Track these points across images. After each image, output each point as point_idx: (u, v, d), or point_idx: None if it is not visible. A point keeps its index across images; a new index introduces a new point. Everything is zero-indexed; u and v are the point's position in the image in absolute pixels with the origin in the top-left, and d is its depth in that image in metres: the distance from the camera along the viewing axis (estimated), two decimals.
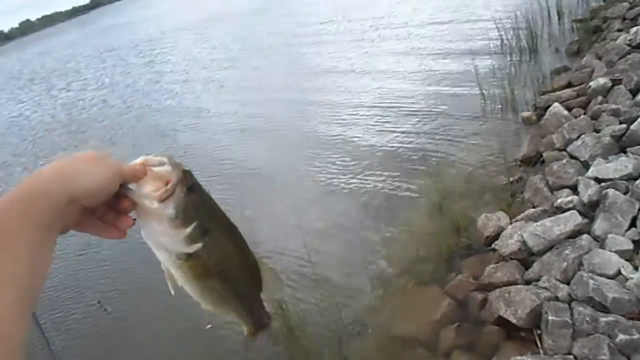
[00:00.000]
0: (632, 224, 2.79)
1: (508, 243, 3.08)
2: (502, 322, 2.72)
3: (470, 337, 2.81)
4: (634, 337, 2.18)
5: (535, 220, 3.09)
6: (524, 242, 3.00)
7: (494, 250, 3.17)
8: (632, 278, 2.48)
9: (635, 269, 2.54)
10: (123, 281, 4.50)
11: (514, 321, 2.64)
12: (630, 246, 2.67)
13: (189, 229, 0.77)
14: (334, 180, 4.78)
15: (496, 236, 3.24)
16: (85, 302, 4.36)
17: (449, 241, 3.42)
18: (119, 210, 0.76)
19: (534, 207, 3.31)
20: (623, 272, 2.54)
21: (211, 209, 0.83)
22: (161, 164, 0.78)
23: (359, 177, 4.70)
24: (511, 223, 3.26)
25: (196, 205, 0.78)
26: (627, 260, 2.61)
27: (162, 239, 0.78)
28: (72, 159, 0.70)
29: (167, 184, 0.76)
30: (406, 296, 3.21)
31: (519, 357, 2.38)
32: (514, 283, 2.87)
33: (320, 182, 4.82)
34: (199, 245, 0.78)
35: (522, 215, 3.26)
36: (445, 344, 2.82)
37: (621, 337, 2.21)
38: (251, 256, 0.89)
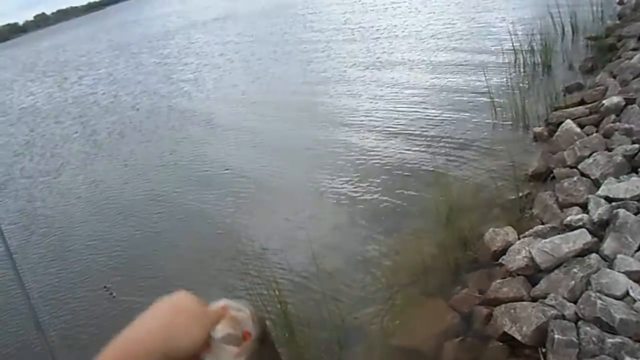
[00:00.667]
0: None
1: (515, 258, 3.06)
2: (506, 338, 2.70)
3: (473, 352, 2.78)
4: None
5: (544, 237, 3.07)
6: (531, 259, 2.98)
7: (501, 265, 3.15)
8: None
9: None
10: (130, 268, 4.52)
11: (519, 338, 2.62)
12: None
13: None
14: (342, 189, 4.78)
15: (503, 251, 3.22)
16: (91, 288, 4.38)
17: (455, 254, 3.41)
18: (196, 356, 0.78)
19: (542, 224, 3.29)
20: (631, 293, 2.52)
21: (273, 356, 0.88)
22: (240, 310, 0.82)
23: (366, 186, 4.69)
24: (519, 238, 3.24)
25: (263, 356, 0.82)
26: (635, 281, 2.58)
27: None
28: (167, 313, 0.72)
29: (245, 334, 0.80)
30: (410, 307, 3.19)
31: None
32: (520, 299, 2.84)
33: (328, 191, 4.82)
34: None
35: (531, 231, 3.24)
36: (448, 357, 2.80)
37: (628, 359, 2.19)
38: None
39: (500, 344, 2.72)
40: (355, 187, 4.73)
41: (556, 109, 4.97)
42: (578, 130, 4.19)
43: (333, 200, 4.63)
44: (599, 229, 2.98)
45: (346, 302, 3.38)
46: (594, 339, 2.38)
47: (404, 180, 4.57)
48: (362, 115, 6.56)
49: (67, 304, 4.28)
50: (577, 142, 3.88)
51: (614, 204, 3.03)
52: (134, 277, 4.34)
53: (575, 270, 2.78)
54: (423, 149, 5.07)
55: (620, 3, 7.90)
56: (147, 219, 5.36)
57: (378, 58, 9.16)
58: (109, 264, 4.70)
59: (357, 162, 5.24)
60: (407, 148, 5.20)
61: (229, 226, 4.69)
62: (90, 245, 5.20)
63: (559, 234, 3.03)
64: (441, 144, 5.05)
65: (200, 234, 4.76)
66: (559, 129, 4.34)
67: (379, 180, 4.72)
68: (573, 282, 2.72)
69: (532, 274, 2.97)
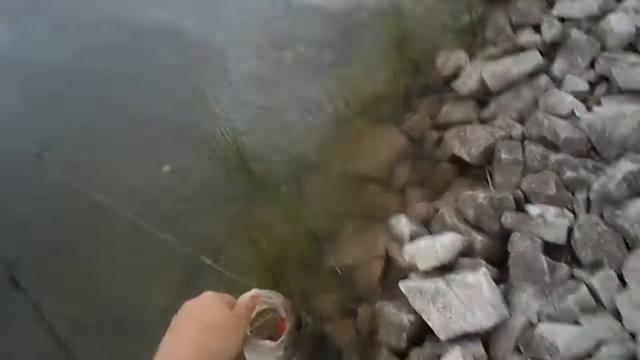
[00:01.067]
0: (591, 65, 2.79)
1: (466, 82, 3.07)
2: (455, 160, 2.80)
3: (423, 173, 2.89)
4: (581, 174, 2.28)
5: (496, 60, 3.06)
6: (482, 82, 2.99)
7: (452, 89, 3.15)
8: (584, 118, 2.53)
9: (589, 109, 2.59)
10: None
11: (467, 159, 2.71)
12: (586, 87, 2.70)
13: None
14: (282, 20, 4.49)
15: (455, 75, 3.21)
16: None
17: (407, 80, 3.37)
18: None
19: (495, 46, 3.25)
20: (576, 112, 2.59)
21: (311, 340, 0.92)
22: (271, 297, 0.82)
23: (311, 15, 4.42)
24: (471, 62, 3.21)
25: (301, 341, 0.83)
26: (581, 101, 2.65)
27: None
28: (199, 331, 0.66)
29: (278, 322, 0.81)
30: (362, 135, 3.22)
31: (470, 192, 2.48)
32: (470, 122, 2.90)
33: (268, 18, 4.51)
34: None
35: (483, 54, 3.21)
36: (399, 180, 2.90)
37: (568, 173, 2.31)
38: None
39: (450, 165, 2.82)
40: (298, 20, 4.45)
41: None
42: None
43: (273, 28, 4.37)
44: (551, 50, 2.97)
45: (298, 134, 3.36)
46: (538, 156, 2.49)
47: (353, 6, 4.33)
48: None
49: None
50: None
51: (567, 23, 2.99)
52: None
53: (524, 92, 2.82)
54: None
55: None
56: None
57: None
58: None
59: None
60: None
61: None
62: None
63: (510, 56, 3.01)
64: None
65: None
66: None
67: (324, 6, 4.45)
68: (521, 103, 2.77)
69: (483, 97, 3.00)
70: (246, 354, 0.79)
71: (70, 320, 2.53)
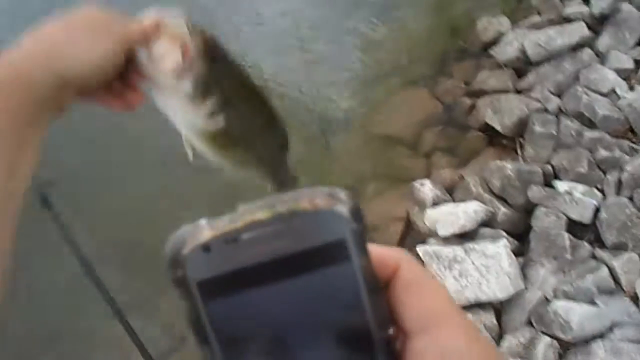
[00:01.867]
0: (639, 43, 2.68)
1: (506, 50, 2.98)
2: (487, 128, 2.75)
3: (452, 140, 2.85)
4: (615, 154, 2.23)
5: (539, 29, 2.95)
6: (523, 51, 2.90)
7: (490, 56, 3.07)
8: (625, 97, 2.45)
9: (631, 88, 2.51)
10: None
11: (499, 128, 2.67)
12: (632, 65, 2.61)
13: (208, 105, 0.67)
14: None
15: (495, 41, 3.11)
16: None
17: (444, 44, 3.28)
18: (127, 82, 0.63)
19: (539, 15, 3.14)
20: (617, 90, 2.51)
21: (235, 76, 0.72)
22: (178, 25, 0.64)
23: None
24: (513, 29, 3.11)
25: (218, 77, 0.68)
26: (624, 79, 2.57)
27: (179, 112, 0.69)
28: (60, 27, 0.55)
29: (184, 49, 0.63)
30: (393, 96, 3.16)
31: (498, 162, 2.45)
32: (505, 91, 2.83)
33: None
34: (220, 119, 0.70)
35: (526, 21, 3.11)
36: (427, 144, 2.87)
37: (602, 153, 2.27)
38: (279, 119, 0.81)
39: (480, 133, 2.77)
40: None
41: None
42: None
43: None
44: (598, 23, 2.86)
45: (329, 92, 3.32)
46: (572, 132, 2.44)
47: None
48: None
49: None
50: None
51: None
52: None
53: (565, 64, 2.73)
54: None
55: None
56: None
57: None
58: None
59: None
60: None
61: None
62: None
63: (555, 26, 2.91)
64: None
65: None
66: None
67: None
68: (561, 76, 2.69)
69: (521, 66, 2.92)
70: (154, 95, 0.68)
71: (100, 246, 2.59)
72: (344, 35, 3.67)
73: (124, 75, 0.62)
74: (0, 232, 0.49)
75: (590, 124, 2.43)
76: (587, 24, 2.82)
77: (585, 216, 2.13)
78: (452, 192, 2.55)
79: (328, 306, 0.29)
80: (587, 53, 2.73)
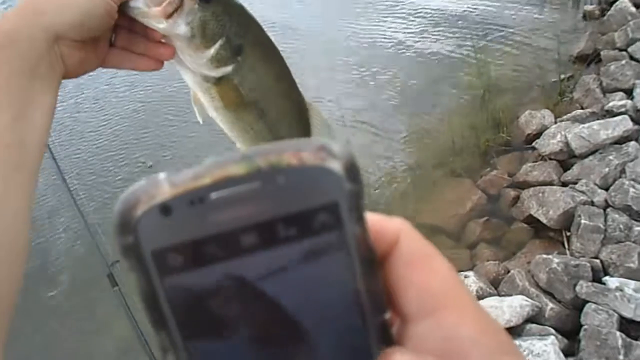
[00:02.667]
0: None
1: (550, 143, 3.00)
2: (531, 220, 2.73)
3: (497, 232, 2.83)
4: None
5: (582, 122, 2.98)
6: (566, 143, 2.91)
7: (534, 148, 3.09)
8: None
9: None
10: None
11: (544, 221, 2.64)
12: None
13: (212, 49, 0.63)
14: (371, 64, 4.61)
15: (538, 135, 3.14)
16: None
17: (487, 136, 3.34)
18: (147, 36, 0.62)
19: (582, 108, 3.17)
20: None
21: (242, 21, 0.66)
22: None
23: (400, 65, 4.51)
24: (556, 122, 3.15)
25: (219, 18, 0.63)
26: None
27: (185, 59, 0.64)
28: None
29: None
30: (438, 187, 3.21)
31: (544, 255, 2.41)
32: (550, 184, 2.82)
33: (360, 69, 4.65)
34: (228, 69, 0.65)
35: (569, 115, 3.14)
36: (471, 236, 2.85)
37: None
38: (295, 88, 0.72)
39: (525, 225, 2.75)
40: (385, 68, 4.55)
41: None
42: (633, 9, 3.88)
43: (366, 77, 4.49)
44: None
45: (373, 177, 3.40)
46: (621, 226, 2.39)
47: (439, 59, 4.38)
48: None
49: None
50: (631, 23, 3.61)
51: None
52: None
53: (611, 157, 2.72)
54: (459, 26, 4.79)
55: None
56: None
57: None
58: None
59: (388, 46, 5.00)
60: (445, 29, 4.92)
61: None
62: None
63: (598, 119, 2.93)
64: (479, 20, 4.76)
65: None
66: (612, 8, 4.03)
67: (413, 57, 4.53)
68: (607, 169, 2.68)
69: (566, 159, 2.92)
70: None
71: None
72: (390, 125, 3.80)
73: (144, 31, 0.61)
74: (11, 185, 0.47)
75: (639, 217, 2.37)
76: (631, 117, 2.83)
77: (638, 314, 2.04)
78: (496, 285, 2.50)
79: (313, 284, 0.24)
80: (632, 146, 2.71)
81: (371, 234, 0.24)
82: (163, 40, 0.62)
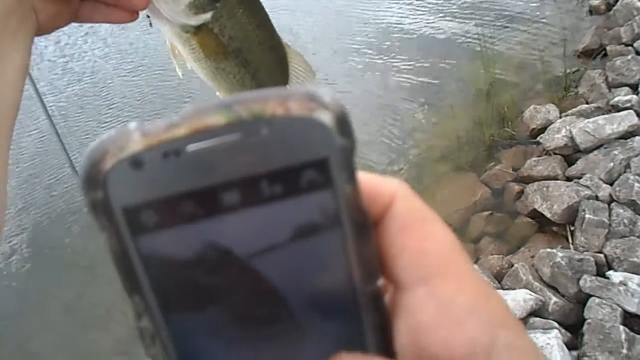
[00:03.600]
0: None
1: (554, 137, 2.99)
2: (535, 215, 2.73)
3: (500, 226, 2.83)
4: None
5: (587, 117, 2.97)
6: (571, 138, 2.91)
7: (538, 143, 3.09)
8: None
9: None
10: None
11: (548, 215, 2.64)
12: None
13: None
14: (379, 56, 4.60)
15: (542, 129, 3.14)
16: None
17: (492, 130, 3.34)
18: None
19: (587, 103, 3.17)
20: None
21: None
22: None
23: (405, 57, 4.51)
24: (561, 117, 3.14)
25: None
26: None
27: (160, 8, 0.60)
28: None
29: None
30: (442, 180, 3.21)
31: (548, 249, 2.41)
32: (554, 178, 2.82)
33: (366, 56, 4.65)
34: (207, 16, 0.62)
35: (574, 110, 3.13)
36: (475, 230, 2.86)
37: None
38: (276, 36, 0.71)
39: (529, 219, 2.75)
40: (392, 55, 4.55)
41: None
42: (639, 4, 3.87)
43: (367, 67, 4.48)
44: None
45: (378, 170, 3.40)
46: (625, 220, 2.39)
47: (444, 52, 4.37)
48: None
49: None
50: (637, 18, 3.60)
51: None
52: None
53: (615, 152, 2.72)
54: (464, 17, 4.78)
55: None
56: None
57: None
58: None
59: (387, 33, 4.99)
60: (450, 19, 4.91)
61: None
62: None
63: (603, 114, 2.92)
64: (484, 13, 4.75)
65: None
66: (618, 3, 4.01)
67: (417, 50, 4.52)
68: (612, 164, 2.67)
69: (570, 154, 2.92)
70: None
71: None
72: (394, 120, 3.80)
73: None
74: None
75: None
76: (636, 112, 2.83)
77: None
78: (500, 279, 2.50)
79: (299, 248, 0.22)
80: (637, 141, 2.71)
81: (364, 195, 0.22)
82: None
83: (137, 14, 0.57)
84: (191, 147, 0.20)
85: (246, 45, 0.67)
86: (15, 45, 0.48)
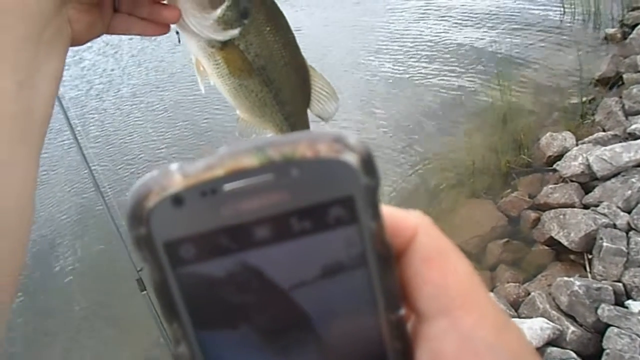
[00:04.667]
0: None
1: (571, 165, 2.99)
2: (552, 243, 2.72)
3: (517, 253, 2.82)
4: None
5: (604, 145, 2.96)
6: (588, 166, 2.90)
7: (555, 170, 3.09)
8: None
9: None
10: None
11: (565, 243, 2.62)
12: None
13: (219, 10, 0.60)
14: (399, 75, 4.64)
15: (559, 157, 3.14)
16: None
17: (508, 157, 3.34)
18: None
19: (604, 131, 3.17)
20: None
21: None
22: None
23: (423, 77, 4.54)
24: (577, 144, 3.14)
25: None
26: None
27: (189, 22, 0.61)
28: None
29: None
30: (458, 207, 3.21)
31: (565, 278, 2.39)
32: (571, 206, 2.81)
33: (383, 76, 4.68)
34: (235, 32, 0.62)
35: (591, 137, 3.13)
36: (491, 257, 2.84)
37: None
38: (300, 57, 0.71)
39: (546, 247, 2.73)
40: (410, 76, 4.58)
41: (633, 9, 4.58)
42: None
43: (384, 87, 4.52)
44: None
45: (395, 197, 3.40)
46: None
47: (462, 77, 4.40)
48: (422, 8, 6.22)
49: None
50: None
51: None
52: None
53: (633, 180, 2.70)
54: (482, 45, 4.82)
55: None
56: None
57: None
58: None
59: (413, 48, 5.04)
60: (469, 42, 4.96)
61: None
62: None
63: (620, 142, 2.92)
64: (502, 41, 4.79)
65: None
66: (634, 31, 4.04)
67: (435, 72, 4.56)
68: (630, 192, 2.66)
69: (587, 181, 2.91)
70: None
71: None
72: (411, 147, 3.82)
73: None
74: (17, 155, 0.45)
75: None
76: None
77: None
78: (517, 308, 2.48)
79: (328, 279, 0.23)
80: None
81: (388, 229, 0.24)
82: (165, 2, 0.60)
83: (169, 27, 0.59)
84: (227, 187, 0.22)
85: (271, 64, 0.67)
86: (50, 56, 0.49)
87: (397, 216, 0.25)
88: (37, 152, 0.48)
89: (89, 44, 0.60)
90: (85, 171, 1.88)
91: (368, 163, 0.23)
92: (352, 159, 0.22)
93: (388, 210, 0.24)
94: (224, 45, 0.63)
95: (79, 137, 1.86)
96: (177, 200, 0.22)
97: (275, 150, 0.22)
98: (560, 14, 4.95)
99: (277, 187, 0.22)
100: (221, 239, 0.22)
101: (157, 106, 5.13)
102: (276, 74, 0.68)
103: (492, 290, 2.58)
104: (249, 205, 0.22)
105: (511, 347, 0.23)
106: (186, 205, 0.22)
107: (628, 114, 3.20)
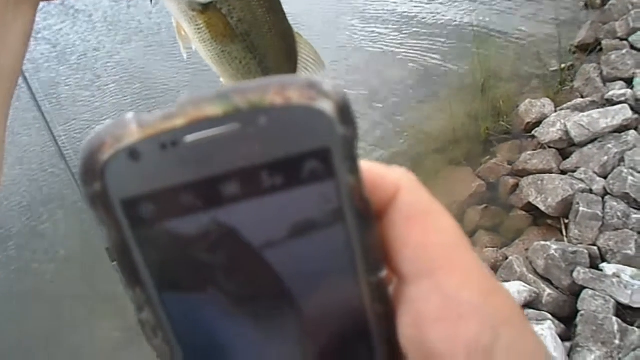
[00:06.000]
0: None
1: (549, 131, 3.01)
2: (530, 208, 2.75)
3: (495, 219, 2.85)
4: None
5: (582, 111, 2.99)
6: (566, 132, 2.93)
7: (533, 137, 3.11)
8: None
9: None
10: None
11: (543, 208, 2.65)
12: None
13: None
14: (375, 45, 4.60)
15: (538, 123, 3.16)
16: None
17: (487, 124, 3.35)
18: None
19: (582, 97, 3.19)
20: None
21: None
22: None
23: (399, 47, 4.51)
24: (556, 111, 3.16)
25: None
26: None
27: None
28: None
29: None
30: (437, 174, 3.22)
31: (542, 242, 2.43)
32: (549, 172, 2.84)
33: (361, 47, 4.64)
34: None
35: (569, 104, 3.15)
36: (470, 223, 2.87)
37: None
38: (286, 23, 0.68)
39: (524, 213, 2.77)
40: (386, 46, 4.54)
41: None
42: None
43: (365, 58, 4.47)
44: None
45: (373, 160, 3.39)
46: (619, 213, 2.41)
47: (441, 45, 4.38)
48: None
49: None
50: (632, 13, 3.61)
51: None
52: None
53: (610, 146, 2.73)
54: (462, 11, 4.78)
55: None
56: None
57: None
58: None
59: (388, 20, 4.99)
60: (446, 11, 4.92)
61: None
62: None
63: (598, 108, 2.94)
64: (482, 8, 4.76)
65: None
66: None
67: (412, 41, 4.52)
68: (606, 157, 2.69)
69: (565, 147, 2.94)
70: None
71: None
72: (390, 115, 3.80)
73: None
74: None
75: (637, 205, 2.40)
76: (630, 106, 2.84)
77: (634, 300, 2.06)
78: (495, 272, 2.52)
79: (302, 239, 0.21)
80: (631, 135, 2.73)
81: (367, 185, 0.22)
82: None
83: None
84: (189, 138, 0.20)
85: (255, 30, 0.64)
86: (17, 13, 0.47)
87: (377, 172, 0.23)
88: (5, 107, 0.46)
89: None
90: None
91: (345, 111, 0.21)
92: (327, 106, 0.20)
93: (368, 165, 0.23)
94: (206, 8, 0.60)
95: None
96: (134, 153, 0.20)
97: (241, 97, 0.20)
98: None
99: (244, 137, 0.20)
100: (184, 196, 0.20)
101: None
102: (260, 40, 0.65)
103: None
104: (213, 158, 0.20)
105: (496, 308, 0.22)
106: (144, 159, 0.20)
107: (606, 80, 3.22)
